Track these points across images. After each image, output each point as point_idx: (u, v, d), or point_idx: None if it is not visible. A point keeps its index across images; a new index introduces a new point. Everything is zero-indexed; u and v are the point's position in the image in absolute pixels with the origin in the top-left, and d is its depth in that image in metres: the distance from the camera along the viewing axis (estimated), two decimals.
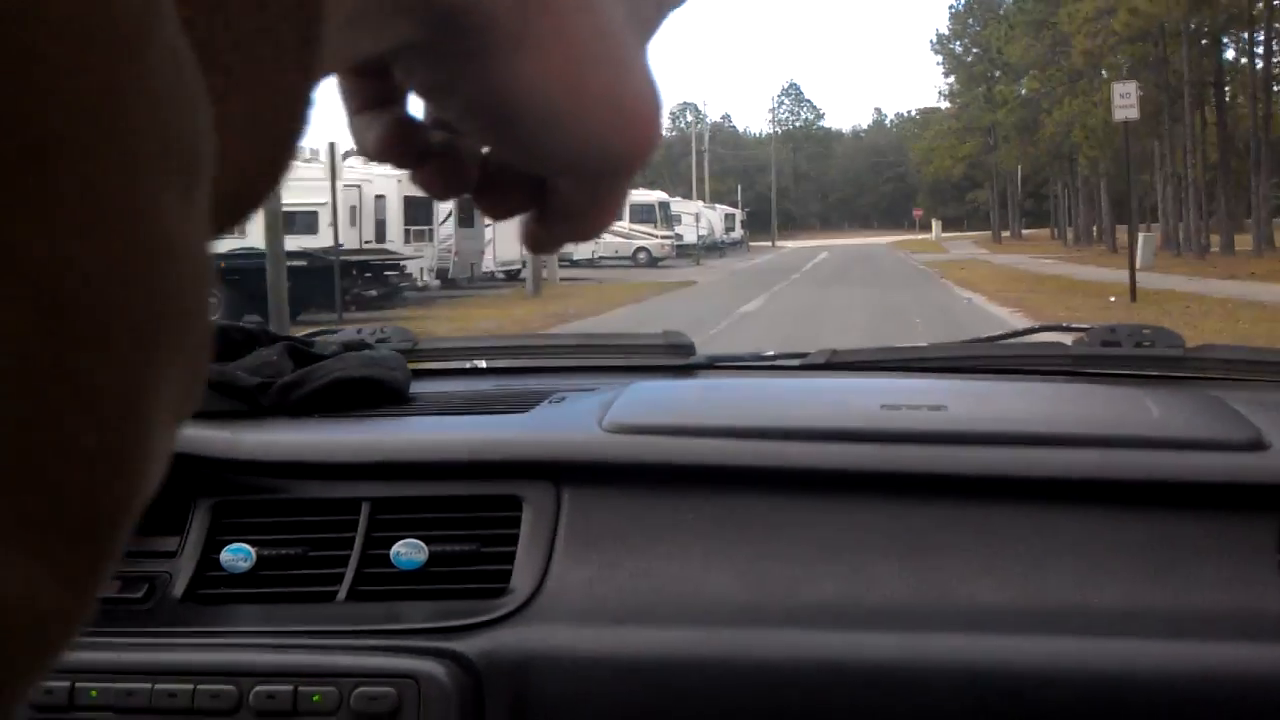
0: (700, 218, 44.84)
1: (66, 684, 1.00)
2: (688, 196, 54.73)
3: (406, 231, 20.20)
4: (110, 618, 1.09)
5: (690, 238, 41.81)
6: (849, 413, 1.15)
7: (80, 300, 0.16)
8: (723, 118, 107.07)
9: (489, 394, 1.34)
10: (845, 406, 1.18)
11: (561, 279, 23.93)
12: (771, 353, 1.53)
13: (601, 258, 35.09)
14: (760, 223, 72.45)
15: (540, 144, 0.29)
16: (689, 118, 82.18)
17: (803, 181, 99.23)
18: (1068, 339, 1.47)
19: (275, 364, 1.28)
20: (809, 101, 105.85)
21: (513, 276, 24.06)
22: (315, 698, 0.97)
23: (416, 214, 20.23)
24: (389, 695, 0.97)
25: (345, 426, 1.22)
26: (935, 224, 64.80)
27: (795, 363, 1.46)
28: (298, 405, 1.24)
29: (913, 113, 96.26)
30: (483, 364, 1.53)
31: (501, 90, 0.28)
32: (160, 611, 1.09)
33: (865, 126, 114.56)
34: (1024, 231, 62.33)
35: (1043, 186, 63.24)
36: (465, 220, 22.24)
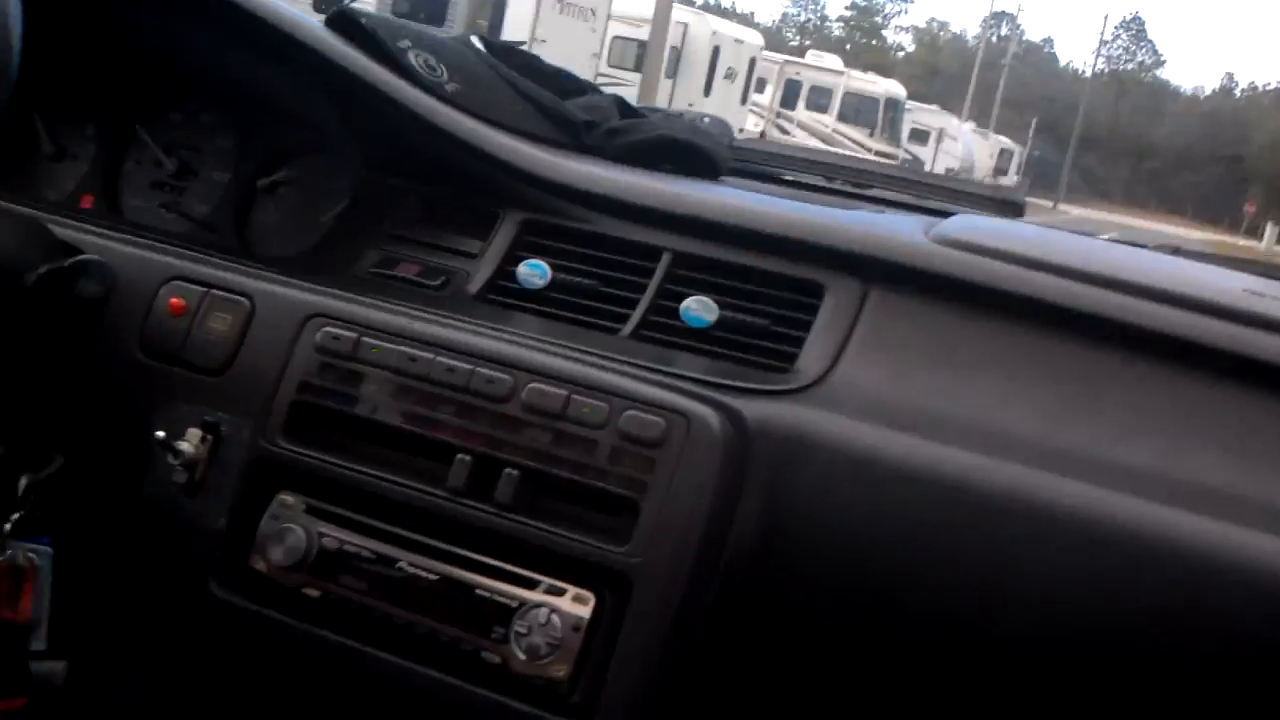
0: (946, 137, 33.98)
1: (354, 335, 1.18)
2: (975, 120, 50.87)
3: None
4: (405, 295, 1.27)
5: (936, 167, 31.25)
6: (1207, 287, 1.18)
7: None
8: (1043, 40, 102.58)
9: (805, 193, 1.47)
10: (1202, 282, 1.21)
11: None
12: (1111, 235, 1.59)
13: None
14: (1050, 175, 69.55)
15: None
16: (1002, 30, 78.94)
17: (1117, 136, 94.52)
18: None
19: (605, 109, 1.46)
20: (1150, 42, 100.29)
21: None
22: (585, 409, 1.10)
23: None
24: (658, 424, 1.08)
25: (661, 178, 1.37)
26: (1271, 230, 57.30)
27: (1126, 247, 1.53)
28: (618, 151, 1.41)
29: (1271, 85, 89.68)
30: (789, 177, 1.66)
31: None
32: (451, 302, 1.28)
33: (1209, 90, 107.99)
34: None
35: None
36: None
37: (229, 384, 1.22)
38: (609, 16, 17.92)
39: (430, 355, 1.16)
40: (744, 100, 23.14)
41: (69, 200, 1.60)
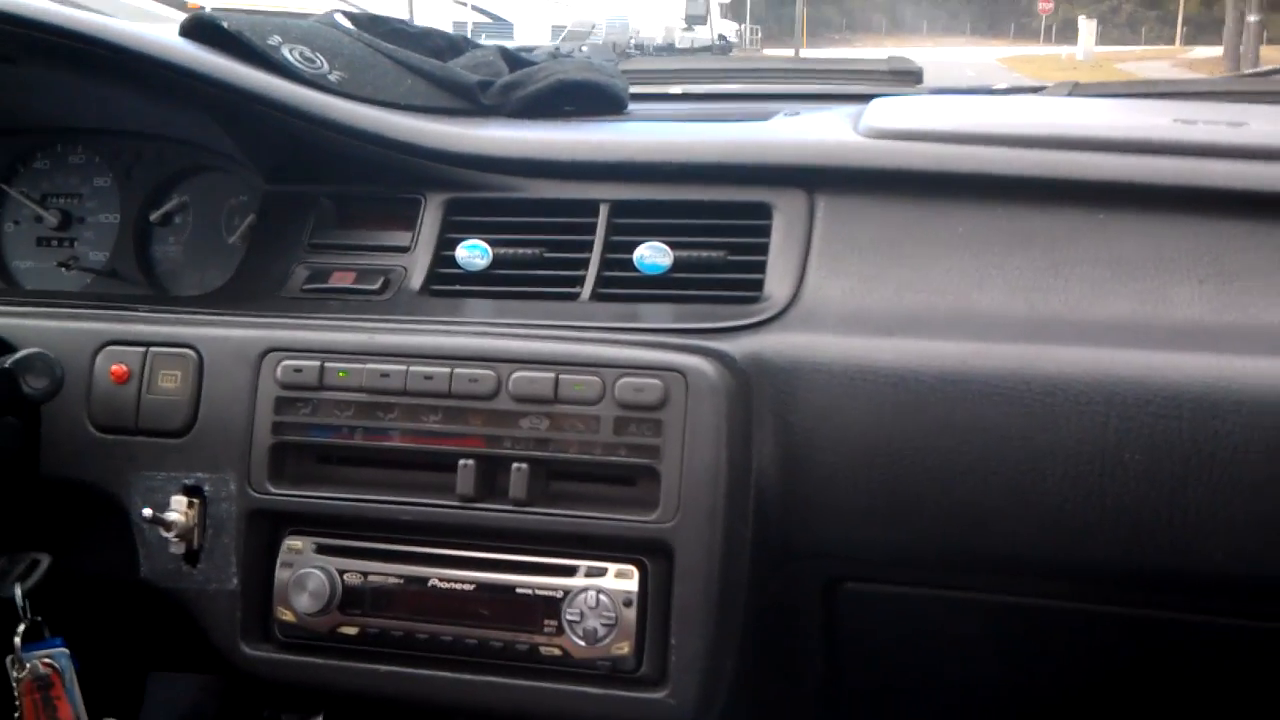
0: None
1: (316, 362, 1.29)
2: None
3: None
4: (348, 307, 1.39)
5: (539, 34, 26.44)
6: (1140, 125, 1.38)
7: None
8: None
9: (714, 110, 1.64)
10: (1133, 121, 1.41)
11: None
12: (1004, 86, 1.81)
13: None
14: (785, 22, 70.43)
15: None
16: None
17: None
18: None
19: (492, 64, 1.60)
20: None
21: None
22: (577, 386, 1.24)
23: None
24: (656, 386, 1.22)
25: (574, 127, 1.51)
26: (1086, 26, 40.95)
27: (1035, 97, 1.75)
28: (518, 105, 1.55)
29: None
30: (676, 90, 1.82)
31: None
32: (400, 302, 1.40)
33: None
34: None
35: None
36: None
37: (197, 442, 1.32)
38: None
39: (403, 367, 1.28)
40: None
41: None
